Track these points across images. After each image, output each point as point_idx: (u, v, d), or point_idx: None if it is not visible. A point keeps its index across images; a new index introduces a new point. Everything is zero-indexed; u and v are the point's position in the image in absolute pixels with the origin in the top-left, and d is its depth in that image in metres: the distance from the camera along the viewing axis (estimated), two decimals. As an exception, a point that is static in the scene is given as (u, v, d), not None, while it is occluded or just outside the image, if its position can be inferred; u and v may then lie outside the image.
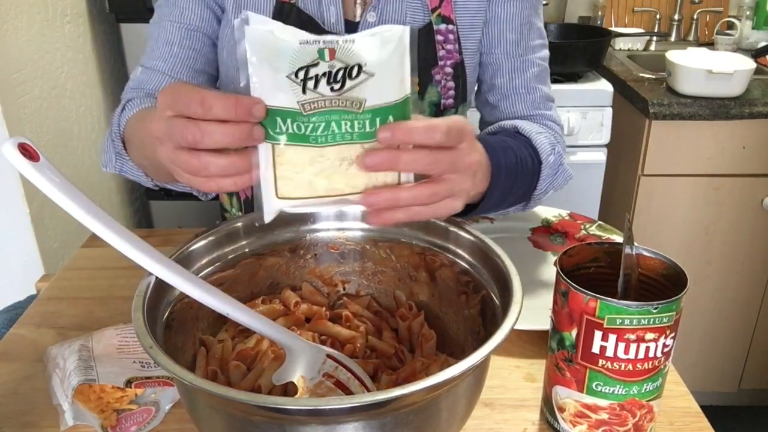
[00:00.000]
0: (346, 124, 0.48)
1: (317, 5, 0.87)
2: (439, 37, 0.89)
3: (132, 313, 0.52)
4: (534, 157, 0.84)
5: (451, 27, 0.89)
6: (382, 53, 0.48)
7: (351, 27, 0.87)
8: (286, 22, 0.48)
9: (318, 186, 0.50)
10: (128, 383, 0.65)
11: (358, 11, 0.88)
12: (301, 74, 0.47)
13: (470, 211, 0.75)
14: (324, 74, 0.47)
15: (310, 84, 0.47)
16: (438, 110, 0.92)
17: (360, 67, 0.48)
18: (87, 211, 0.47)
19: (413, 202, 0.52)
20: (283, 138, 0.48)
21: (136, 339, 0.66)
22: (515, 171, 0.77)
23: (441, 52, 0.89)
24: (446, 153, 0.52)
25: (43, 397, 0.67)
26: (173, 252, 0.60)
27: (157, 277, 0.52)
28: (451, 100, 0.92)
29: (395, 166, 0.50)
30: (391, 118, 0.49)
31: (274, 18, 0.63)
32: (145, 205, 2.03)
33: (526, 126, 0.88)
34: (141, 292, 0.54)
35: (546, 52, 0.97)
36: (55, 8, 1.56)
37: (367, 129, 0.49)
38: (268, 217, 0.51)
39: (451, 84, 0.91)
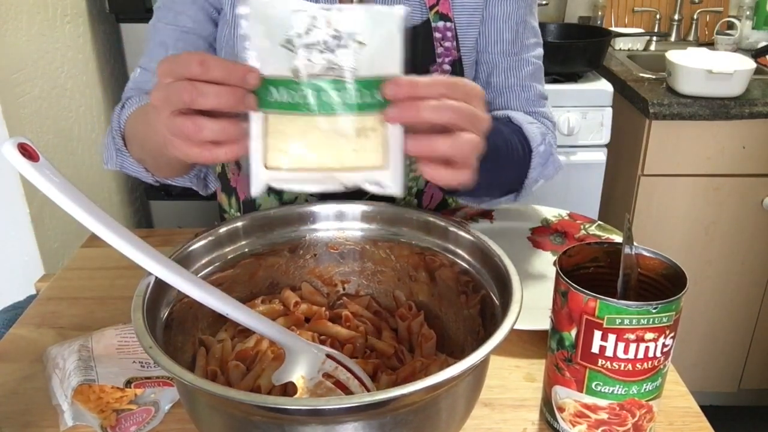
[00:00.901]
0: (336, 93, 0.50)
1: (314, 0, 0.87)
2: (437, 35, 0.89)
3: (132, 313, 0.52)
4: (524, 145, 0.84)
5: (449, 24, 0.89)
6: (375, 27, 0.50)
7: None
8: None
9: (307, 158, 0.51)
10: (128, 383, 0.65)
11: None
12: (296, 41, 0.49)
13: (455, 192, 0.75)
14: (317, 42, 0.49)
15: (304, 51, 0.49)
16: None
17: (352, 36, 0.49)
18: (87, 211, 0.47)
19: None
20: (275, 107, 0.50)
21: (135, 339, 0.65)
22: (503, 153, 0.78)
23: (439, 50, 0.89)
24: (466, 105, 0.52)
25: (42, 397, 0.67)
26: (173, 252, 0.60)
27: (156, 277, 0.52)
28: None
29: (418, 116, 0.50)
30: (378, 91, 0.50)
31: None
32: (145, 205, 2.04)
33: (517, 116, 0.88)
34: (141, 292, 0.54)
35: (540, 51, 0.97)
36: (55, 8, 1.56)
37: (358, 100, 0.50)
38: (256, 190, 0.52)
39: None
